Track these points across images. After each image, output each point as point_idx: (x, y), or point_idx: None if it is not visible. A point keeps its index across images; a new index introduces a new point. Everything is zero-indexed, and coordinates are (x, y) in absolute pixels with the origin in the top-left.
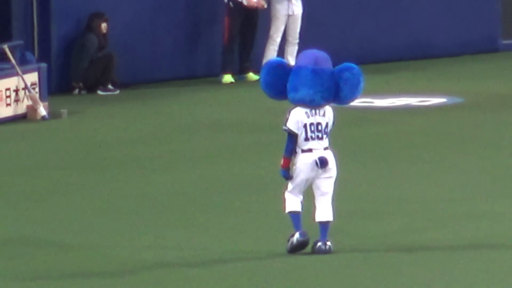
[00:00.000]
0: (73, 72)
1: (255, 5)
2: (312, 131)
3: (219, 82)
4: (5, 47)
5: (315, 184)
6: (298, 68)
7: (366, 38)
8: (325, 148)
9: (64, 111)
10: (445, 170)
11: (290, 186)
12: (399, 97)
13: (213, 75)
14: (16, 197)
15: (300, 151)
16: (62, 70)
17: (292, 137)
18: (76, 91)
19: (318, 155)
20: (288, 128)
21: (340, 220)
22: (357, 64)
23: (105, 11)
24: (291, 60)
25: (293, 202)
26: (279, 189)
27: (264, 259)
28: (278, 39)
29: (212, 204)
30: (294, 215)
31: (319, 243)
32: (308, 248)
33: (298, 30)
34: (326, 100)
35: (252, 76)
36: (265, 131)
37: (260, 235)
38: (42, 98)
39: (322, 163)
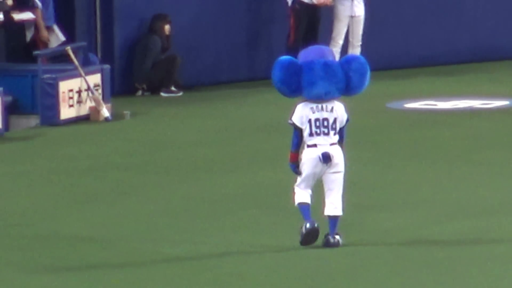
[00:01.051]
0: (136, 74)
1: (324, 2)
2: (317, 127)
3: None
4: (68, 49)
5: (323, 179)
6: (310, 63)
7: (429, 40)
8: (332, 144)
9: (127, 112)
10: (507, 173)
11: (298, 180)
12: (462, 99)
13: None
14: (79, 198)
15: (305, 146)
16: (125, 71)
17: (297, 131)
18: (139, 92)
19: (322, 150)
20: (293, 122)
21: (401, 223)
22: (420, 66)
23: (168, 12)
24: None
25: (301, 195)
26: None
27: (328, 259)
28: (341, 41)
29: (275, 205)
30: (303, 206)
31: (328, 236)
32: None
33: (360, 32)
34: (340, 91)
35: None
36: None
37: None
38: (105, 99)
39: (325, 158)
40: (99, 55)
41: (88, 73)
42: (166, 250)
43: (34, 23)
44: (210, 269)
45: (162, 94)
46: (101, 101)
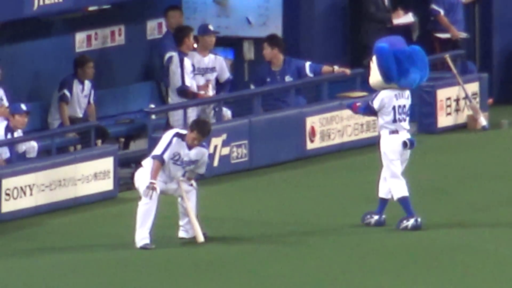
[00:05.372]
0: None
1: None
2: (399, 113)
3: None
4: (447, 57)
5: None
6: (400, 51)
7: None
8: (408, 130)
9: (504, 121)
10: None
11: (389, 172)
12: None
13: None
14: (455, 208)
15: (387, 132)
16: (503, 80)
17: (371, 111)
18: None
19: (404, 136)
20: (372, 106)
21: None
22: None
23: None
24: None
25: (400, 188)
26: None
27: None
28: None
29: None
30: (404, 200)
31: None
32: None
33: None
34: (421, 78)
35: None
36: None
37: None
38: (482, 108)
39: (412, 144)
40: (477, 63)
41: (466, 81)
42: None
43: (416, 25)
44: None
45: None
46: (479, 110)
